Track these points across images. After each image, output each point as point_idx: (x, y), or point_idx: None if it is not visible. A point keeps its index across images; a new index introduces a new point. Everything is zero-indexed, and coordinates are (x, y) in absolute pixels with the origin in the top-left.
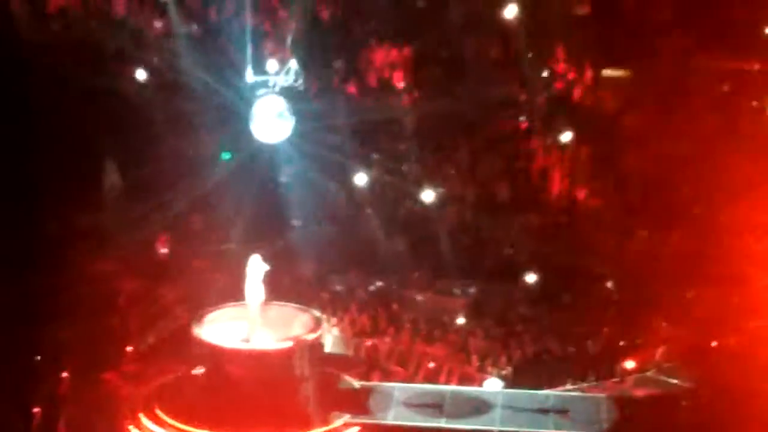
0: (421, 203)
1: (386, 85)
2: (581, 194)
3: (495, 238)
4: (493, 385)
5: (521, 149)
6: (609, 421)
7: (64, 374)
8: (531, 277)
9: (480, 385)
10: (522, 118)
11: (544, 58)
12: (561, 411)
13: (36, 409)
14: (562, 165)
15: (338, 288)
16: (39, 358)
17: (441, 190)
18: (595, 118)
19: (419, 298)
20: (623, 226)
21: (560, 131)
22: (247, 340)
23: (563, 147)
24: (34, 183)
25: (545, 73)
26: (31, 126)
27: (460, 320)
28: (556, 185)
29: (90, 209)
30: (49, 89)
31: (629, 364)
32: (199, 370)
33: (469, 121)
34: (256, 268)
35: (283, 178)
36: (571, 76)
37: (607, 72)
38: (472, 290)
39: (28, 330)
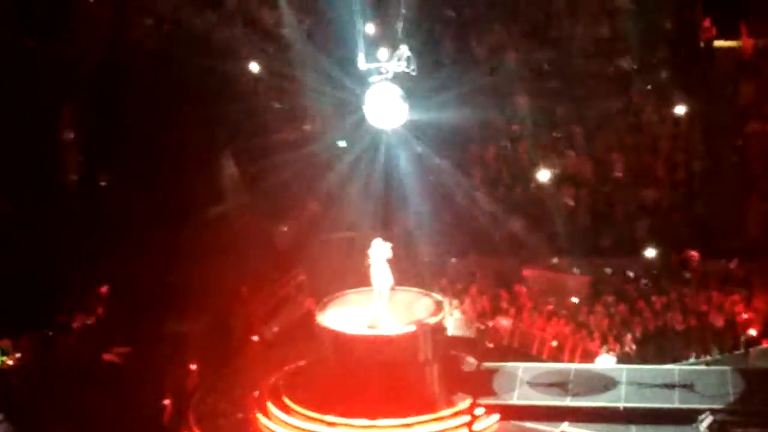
0: (538, 182)
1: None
2: (698, 167)
3: (613, 214)
4: (606, 362)
5: (635, 123)
6: (735, 395)
7: (193, 365)
8: (650, 252)
9: None
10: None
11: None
12: (686, 385)
13: (167, 401)
14: (678, 138)
15: (458, 271)
16: (168, 350)
17: (557, 168)
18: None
19: (539, 277)
20: (742, 197)
21: (675, 104)
22: (371, 326)
23: (678, 119)
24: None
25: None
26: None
27: (581, 298)
28: (672, 159)
29: (211, 202)
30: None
31: (752, 336)
32: (324, 357)
33: (582, 98)
34: (380, 253)
35: (399, 164)
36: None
37: (720, 42)
38: (591, 267)
39: (157, 323)
